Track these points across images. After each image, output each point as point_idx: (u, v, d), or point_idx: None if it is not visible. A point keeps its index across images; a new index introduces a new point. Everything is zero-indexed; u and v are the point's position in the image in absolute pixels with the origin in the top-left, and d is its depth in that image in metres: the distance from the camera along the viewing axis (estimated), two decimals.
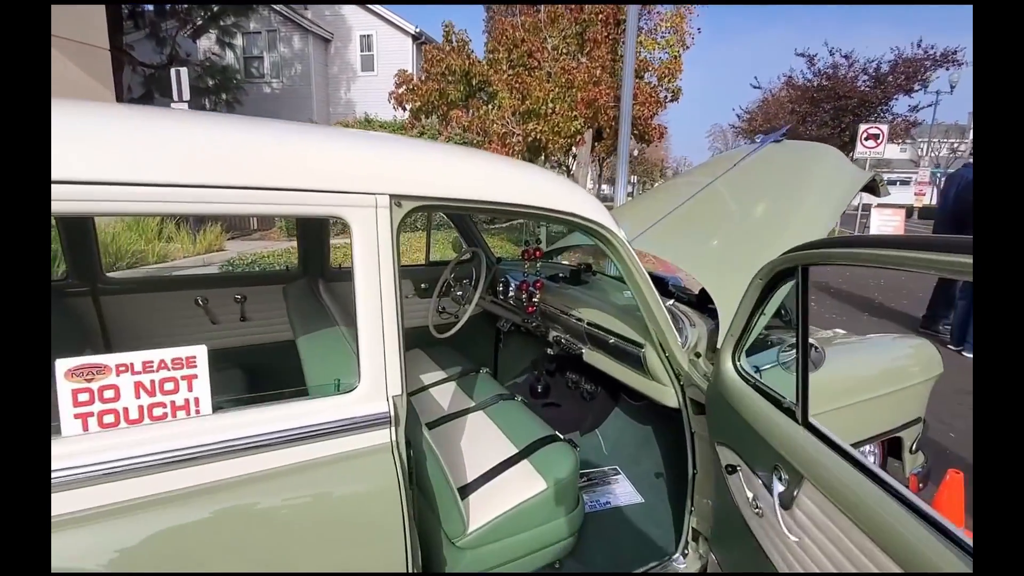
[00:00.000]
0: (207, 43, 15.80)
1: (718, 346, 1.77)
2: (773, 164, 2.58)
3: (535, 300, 2.48)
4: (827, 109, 18.24)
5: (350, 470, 1.18)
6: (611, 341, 2.08)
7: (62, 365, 0.96)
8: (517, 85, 8.15)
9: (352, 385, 1.21)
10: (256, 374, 2.48)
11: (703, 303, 2.29)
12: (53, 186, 0.88)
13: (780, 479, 1.17)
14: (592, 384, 2.74)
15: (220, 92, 13.70)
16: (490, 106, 8.57)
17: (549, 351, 2.68)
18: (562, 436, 1.95)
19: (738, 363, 1.43)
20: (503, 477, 1.78)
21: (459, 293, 2.70)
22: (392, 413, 1.22)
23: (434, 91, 8.91)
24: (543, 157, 9.60)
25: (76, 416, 0.97)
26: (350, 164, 1.17)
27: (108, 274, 2.33)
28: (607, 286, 2.57)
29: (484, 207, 1.36)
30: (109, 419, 1.00)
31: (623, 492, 2.26)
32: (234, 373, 2.40)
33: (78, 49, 8.39)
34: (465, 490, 1.72)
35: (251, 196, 1.06)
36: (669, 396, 1.87)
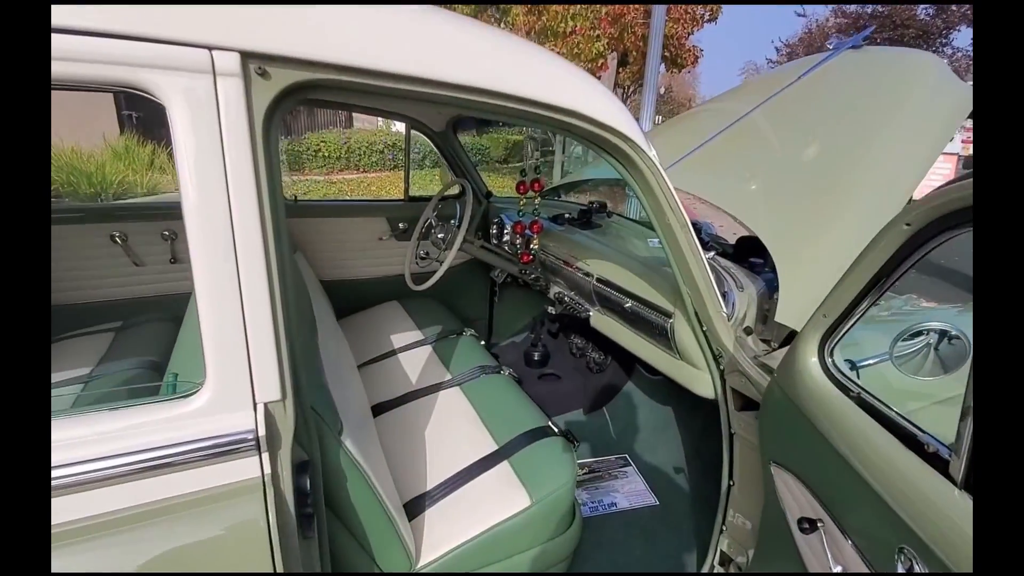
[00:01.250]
0: None
1: (777, 319, 1.26)
2: (851, 78, 1.95)
3: (532, 246, 1.96)
4: (879, 40, 16.53)
5: (176, 531, 0.72)
6: (627, 305, 1.57)
7: None
8: None
9: (196, 385, 0.73)
10: None
11: (742, 256, 1.76)
12: None
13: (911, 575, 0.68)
14: (601, 353, 2.25)
15: None
16: (502, 24, 7.62)
17: (551, 310, 2.18)
18: (557, 429, 1.49)
19: (829, 360, 0.91)
20: (475, 485, 1.33)
21: (441, 236, 2.18)
22: (262, 431, 0.74)
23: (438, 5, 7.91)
24: None
25: None
26: None
27: None
28: (626, 232, 2.03)
29: (429, 91, 0.81)
30: None
31: (633, 491, 1.82)
32: (167, 327, 1.96)
33: None
34: (420, 503, 1.28)
35: None
36: (703, 383, 1.37)
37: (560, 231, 2.02)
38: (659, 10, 4.85)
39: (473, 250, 2.26)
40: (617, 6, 6.78)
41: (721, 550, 1.42)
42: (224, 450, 0.72)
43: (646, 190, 1.10)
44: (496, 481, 1.33)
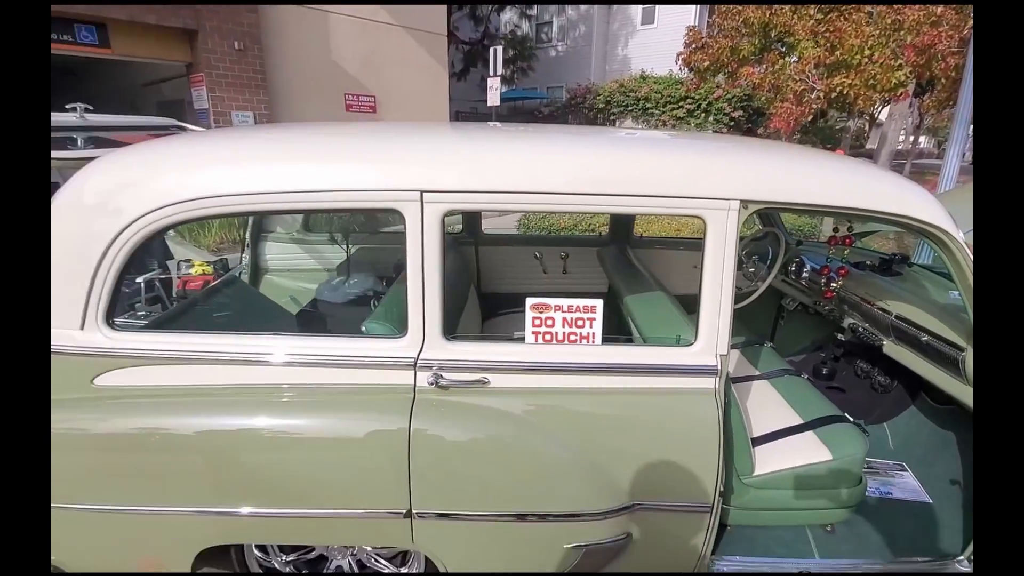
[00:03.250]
0: (509, 15, 17.87)
1: None
2: None
3: (834, 285, 2.54)
4: None
5: (685, 403, 1.62)
6: (924, 339, 2.06)
7: (530, 301, 1.63)
8: (826, 33, 7.14)
9: (689, 341, 1.65)
10: None
11: None
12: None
13: None
14: (886, 376, 2.67)
15: (517, 61, 15.60)
16: (788, 59, 7.74)
17: (839, 336, 2.71)
18: (851, 419, 2.08)
19: None
20: (789, 440, 2.01)
21: (752, 270, 2.90)
22: (719, 367, 1.62)
23: (725, 48, 8.44)
24: (846, 112, 8.37)
25: (533, 333, 1.65)
26: (712, 175, 1.56)
27: (484, 231, 3.28)
28: (925, 280, 2.44)
29: (817, 209, 1.60)
30: (549, 338, 1.65)
31: (908, 487, 2.26)
32: None
33: (425, 37, 10.62)
34: (752, 442, 2.04)
35: (642, 202, 1.54)
36: None
37: (861, 275, 2.54)
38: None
39: (775, 281, 2.92)
40: (926, 37, 6.34)
41: None
42: (704, 372, 1.62)
43: (954, 263, 1.66)
44: (805, 441, 1.99)
